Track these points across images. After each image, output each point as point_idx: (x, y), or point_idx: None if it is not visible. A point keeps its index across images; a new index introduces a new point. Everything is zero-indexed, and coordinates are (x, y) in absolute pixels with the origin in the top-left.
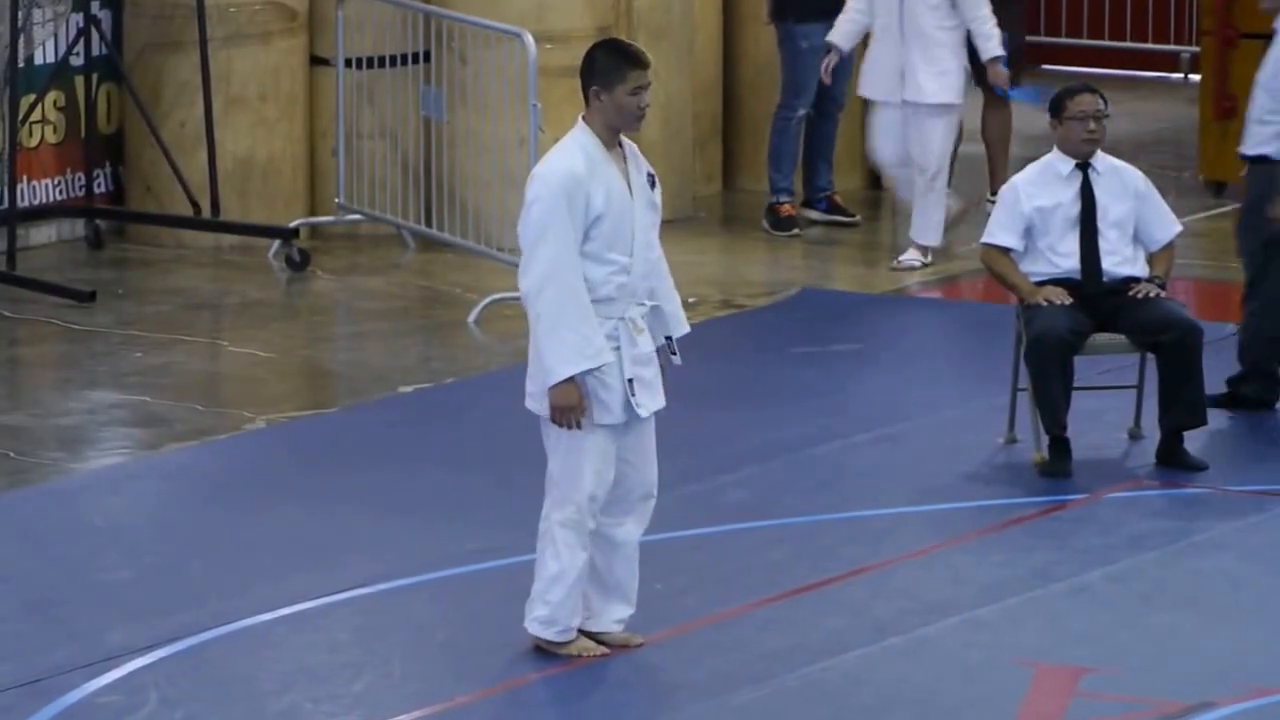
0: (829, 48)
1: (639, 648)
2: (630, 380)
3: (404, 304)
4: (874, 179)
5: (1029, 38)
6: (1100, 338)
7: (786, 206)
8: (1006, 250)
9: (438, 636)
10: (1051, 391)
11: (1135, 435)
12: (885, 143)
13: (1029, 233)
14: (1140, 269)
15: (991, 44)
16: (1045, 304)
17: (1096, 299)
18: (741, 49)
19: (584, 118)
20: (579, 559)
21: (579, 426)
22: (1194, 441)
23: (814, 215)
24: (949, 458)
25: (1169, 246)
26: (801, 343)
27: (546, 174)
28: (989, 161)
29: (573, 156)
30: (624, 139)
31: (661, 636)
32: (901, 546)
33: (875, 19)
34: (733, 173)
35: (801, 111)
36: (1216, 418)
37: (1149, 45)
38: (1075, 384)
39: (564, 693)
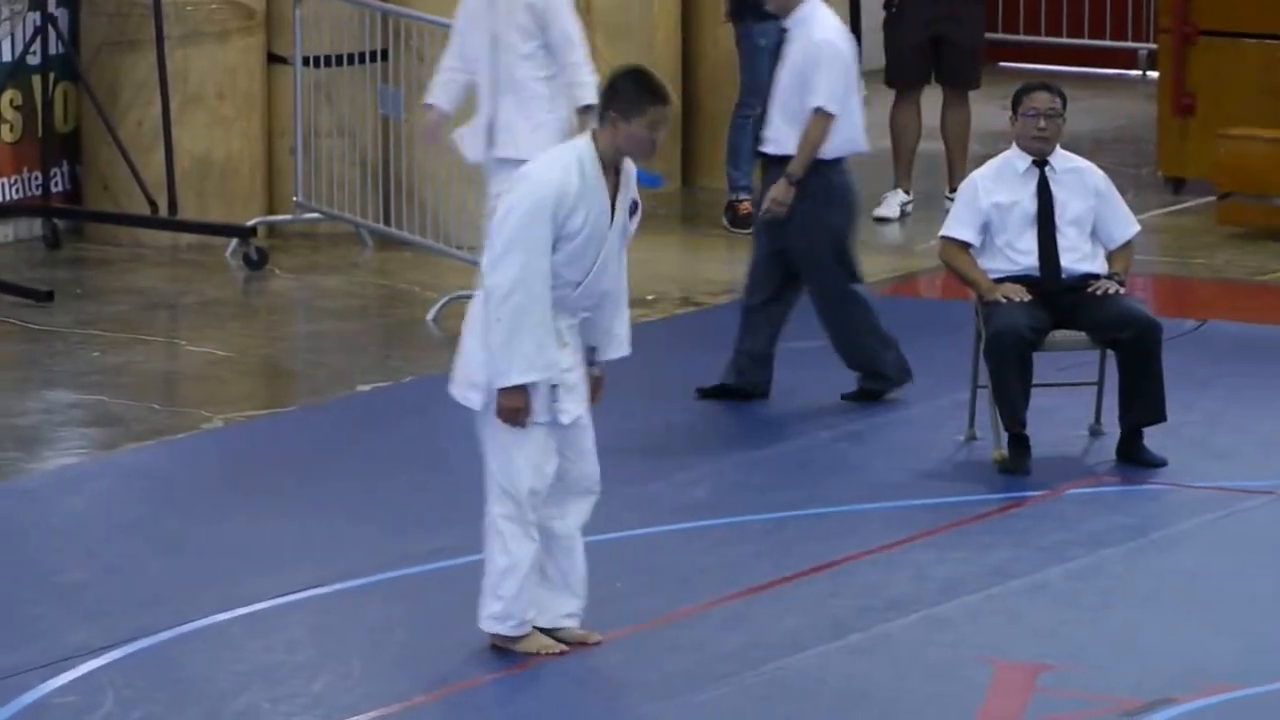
0: (430, 107)
1: (597, 645)
2: (555, 386)
3: (362, 302)
4: None
5: (988, 35)
6: (1059, 335)
7: (746, 204)
8: (965, 245)
9: (395, 636)
10: (1010, 388)
11: (1095, 432)
12: None
13: (987, 229)
14: (1099, 266)
15: (583, 92)
16: (1004, 301)
17: (1055, 296)
18: (700, 48)
19: (594, 133)
20: (528, 550)
21: (524, 426)
22: (1153, 438)
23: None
24: (908, 455)
25: (1128, 244)
26: None
27: (538, 182)
28: (947, 159)
29: (569, 171)
30: (625, 163)
31: (620, 635)
32: (861, 543)
33: (474, 74)
34: (692, 171)
35: (760, 110)
36: (1176, 414)
37: (1108, 42)
38: (1034, 381)
39: (522, 691)
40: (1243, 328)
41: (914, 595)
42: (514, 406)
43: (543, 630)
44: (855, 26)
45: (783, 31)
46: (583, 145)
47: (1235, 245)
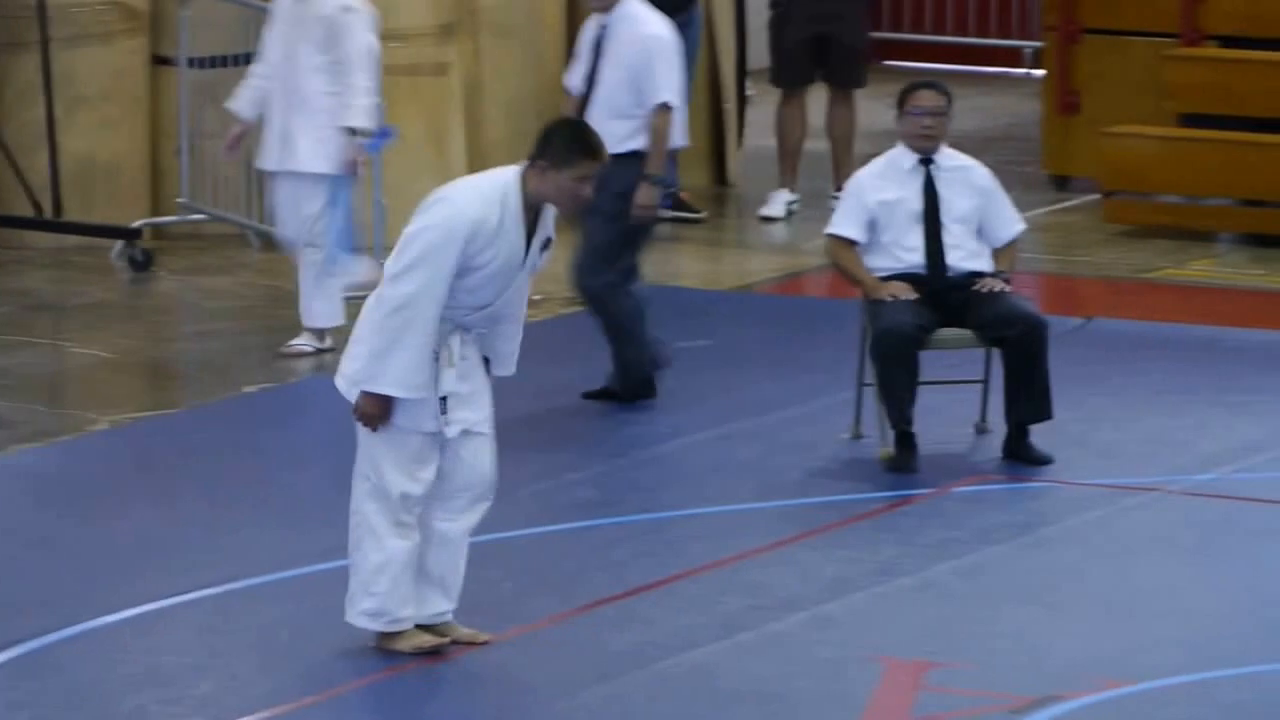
0: (234, 116)
1: (485, 645)
2: (444, 398)
3: (248, 303)
4: (720, 176)
5: (874, 34)
6: (946, 332)
7: None
8: (851, 243)
9: (284, 637)
10: (897, 386)
11: (981, 429)
12: (287, 218)
13: (873, 227)
14: (985, 264)
15: (351, 115)
16: (890, 299)
17: (941, 294)
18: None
19: (525, 172)
20: (402, 547)
21: (374, 429)
22: (1039, 435)
23: (660, 212)
24: (795, 453)
25: (1013, 242)
26: None
27: (457, 209)
28: (833, 158)
29: (490, 205)
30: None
31: (510, 635)
32: (749, 542)
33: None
34: None
35: None
36: (1062, 411)
37: (993, 40)
38: (921, 379)
39: (412, 692)
40: (1128, 325)
41: (802, 594)
42: (372, 412)
43: (422, 626)
44: (741, 26)
45: (603, 28)
46: (510, 180)
47: (1120, 243)
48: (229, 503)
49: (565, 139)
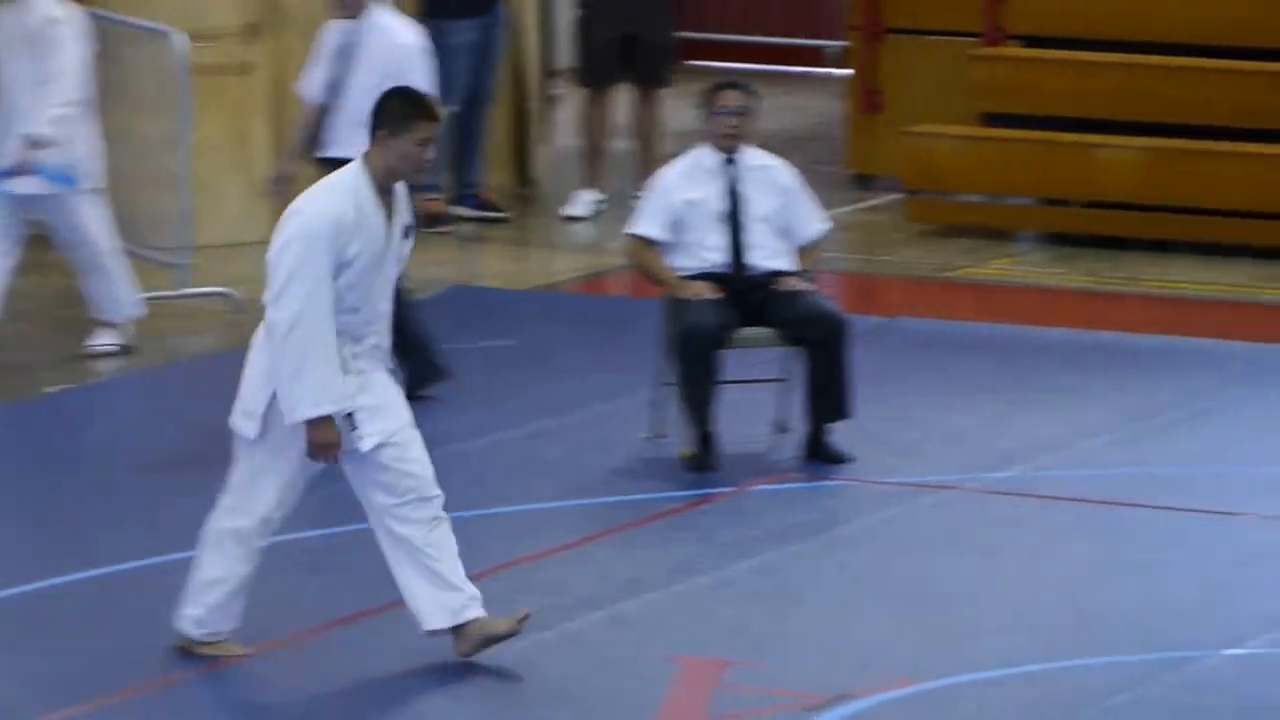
0: None
1: (525, 619)
2: (350, 414)
3: (50, 303)
4: (524, 175)
5: (680, 34)
6: (747, 332)
7: (436, 203)
8: (653, 243)
9: (83, 637)
10: (698, 386)
11: (782, 428)
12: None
13: (676, 226)
14: (788, 263)
15: (33, 121)
16: (692, 298)
17: (744, 293)
18: None
19: (366, 157)
20: (242, 572)
21: (337, 461)
22: (840, 434)
23: (464, 212)
24: (596, 453)
25: (816, 241)
26: (452, 339)
27: (312, 214)
28: (638, 157)
29: (343, 200)
30: (396, 186)
31: (305, 636)
32: (548, 541)
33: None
34: None
35: (451, 108)
36: (863, 410)
37: (798, 40)
38: (722, 378)
39: (195, 698)
40: (929, 324)
41: (600, 593)
42: (323, 442)
43: (461, 627)
44: (546, 26)
45: (356, 34)
46: (355, 171)
47: (922, 242)
48: (25, 503)
49: (400, 105)
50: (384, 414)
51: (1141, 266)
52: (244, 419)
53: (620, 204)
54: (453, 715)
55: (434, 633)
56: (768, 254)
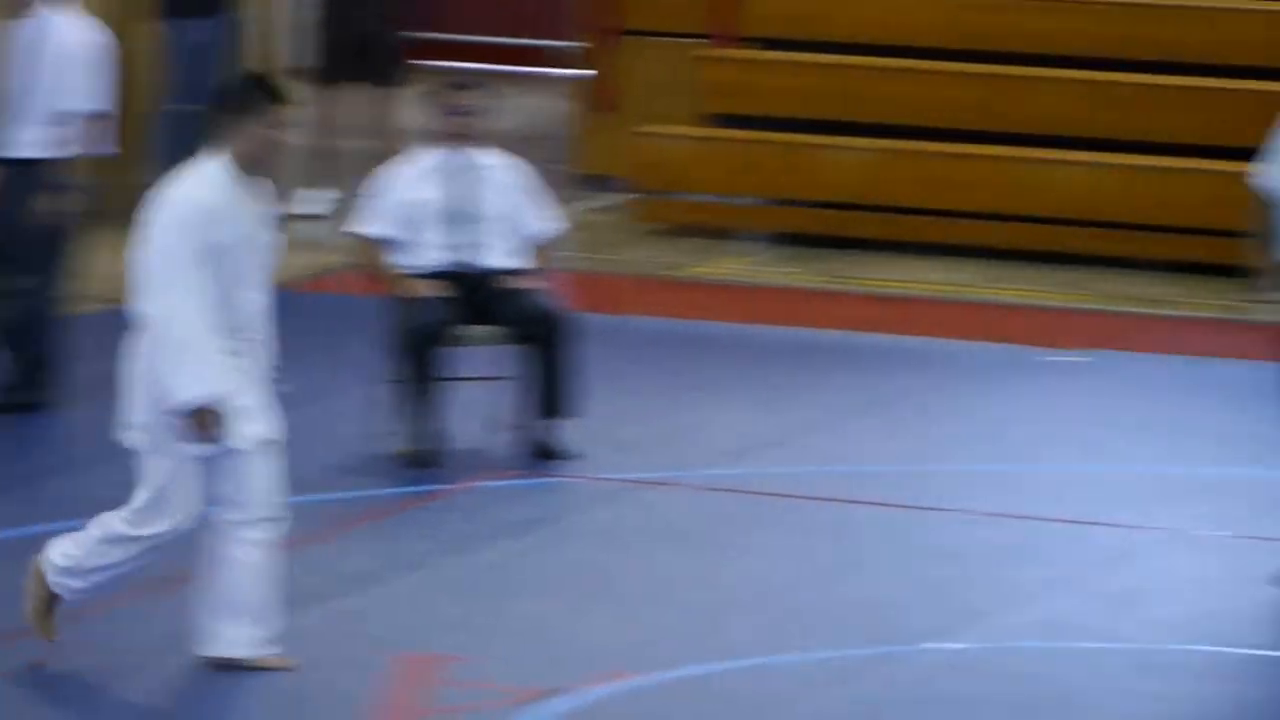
0: None
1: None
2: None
3: None
4: None
5: (415, 34)
6: (474, 330)
7: None
8: (380, 241)
9: None
10: (421, 383)
11: (506, 425)
12: None
13: (404, 224)
14: (518, 262)
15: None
16: (418, 297)
17: (471, 291)
18: (133, 45)
19: (224, 146)
20: (124, 570)
21: (217, 444)
22: (564, 431)
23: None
24: (320, 450)
25: (548, 240)
26: None
27: (177, 202)
28: (372, 156)
29: (209, 188)
30: (259, 176)
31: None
32: None
33: None
34: (125, 169)
35: (189, 108)
36: (588, 407)
37: (532, 41)
38: (448, 375)
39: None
40: (657, 323)
41: (321, 589)
42: (198, 424)
43: (234, 660)
44: (281, 25)
45: (34, 33)
46: (216, 164)
47: (652, 241)
48: None
49: (246, 92)
50: (262, 417)
51: (866, 266)
52: (128, 431)
53: (352, 202)
54: (166, 714)
55: (219, 659)
56: (499, 253)
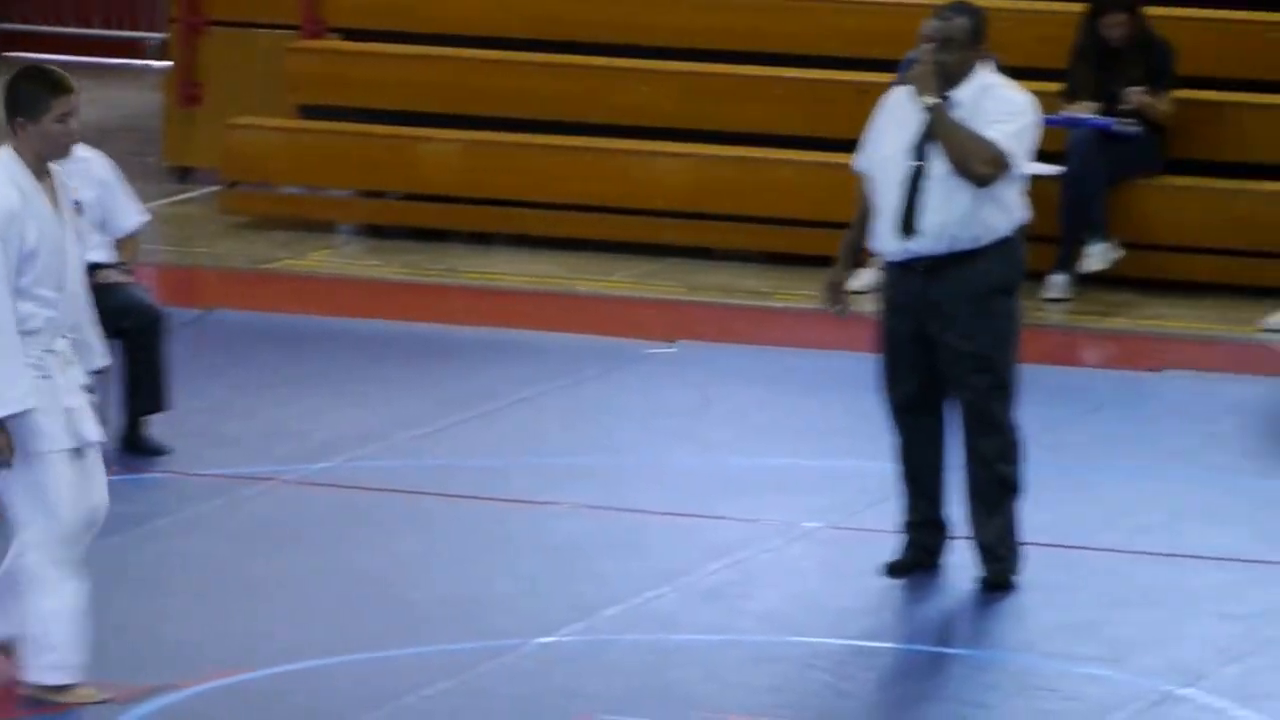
0: None
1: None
2: (67, 409)
3: None
4: None
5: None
6: None
7: None
8: None
9: None
10: None
11: (99, 420)
12: None
13: None
14: (107, 255)
15: None
16: None
17: None
18: None
19: (14, 147)
20: (74, 589)
21: (9, 466)
22: (158, 426)
23: None
24: None
25: (134, 234)
26: None
27: None
28: None
29: (5, 190)
30: (51, 167)
31: None
32: None
33: None
34: None
35: None
36: (181, 402)
37: (117, 32)
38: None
39: None
40: (247, 316)
41: None
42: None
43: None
44: None
45: None
46: (8, 163)
47: (241, 234)
48: None
49: (28, 88)
50: (87, 422)
51: (461, 258)
52: None
53: None
54: None
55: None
56: (86, 247)
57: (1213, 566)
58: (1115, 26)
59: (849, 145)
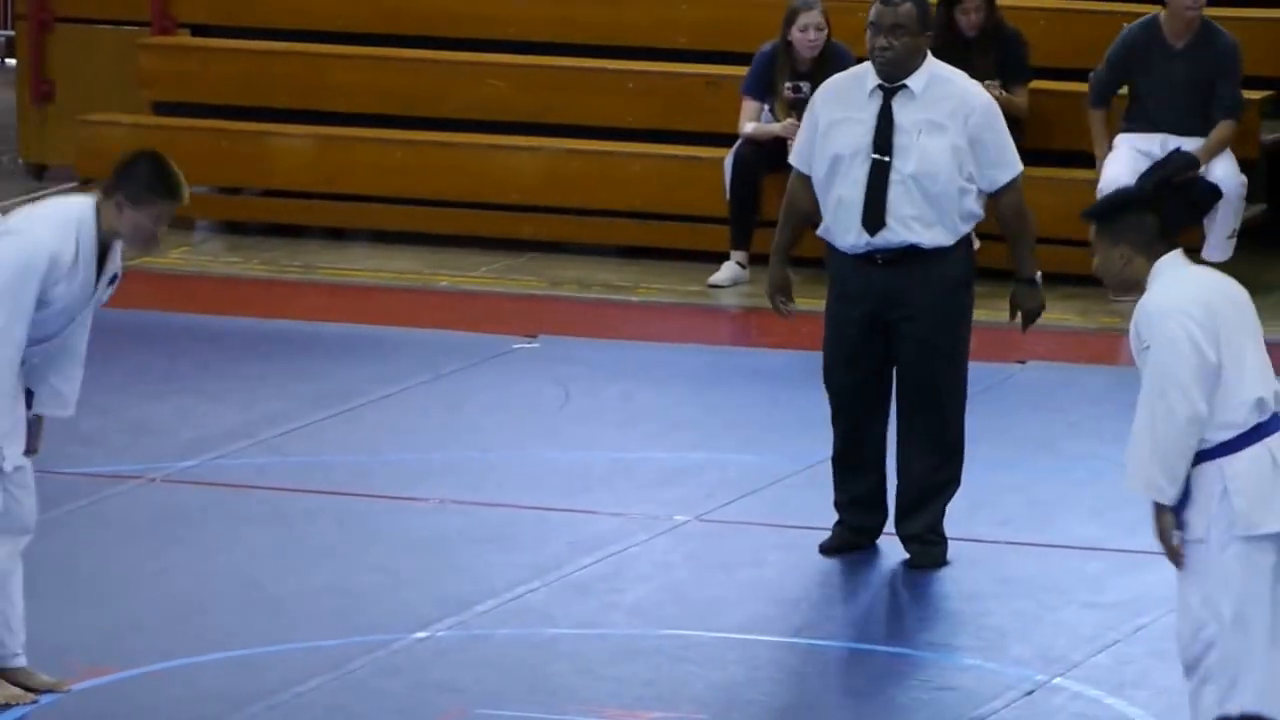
0: None
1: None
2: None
3: None
4: None
5: None
6: None
7: None
8: None
9: None
10: None
11: None
12: None
13: None
14: None
15: None
16: None
17: None
18: None
19: (99, 204)
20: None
21: None
22: None
23: None
24: None
25: None
26: None
27: (33, 242)
28: None
29: (66, 241)
30: (115, 245)
31: None
32: None
33: None
34: None
35: None
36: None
37: None
38: None
39: None
40: (106, 314)
41: None
42: None
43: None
44: None
45: None
46: (84, 214)
47: None
48: None
49: (146, 176)
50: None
51: (318, 254)
52: None
53: None
54: None
55: None
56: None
57: (1079, 556)
58: (969, 13)
59: (701, 138)
